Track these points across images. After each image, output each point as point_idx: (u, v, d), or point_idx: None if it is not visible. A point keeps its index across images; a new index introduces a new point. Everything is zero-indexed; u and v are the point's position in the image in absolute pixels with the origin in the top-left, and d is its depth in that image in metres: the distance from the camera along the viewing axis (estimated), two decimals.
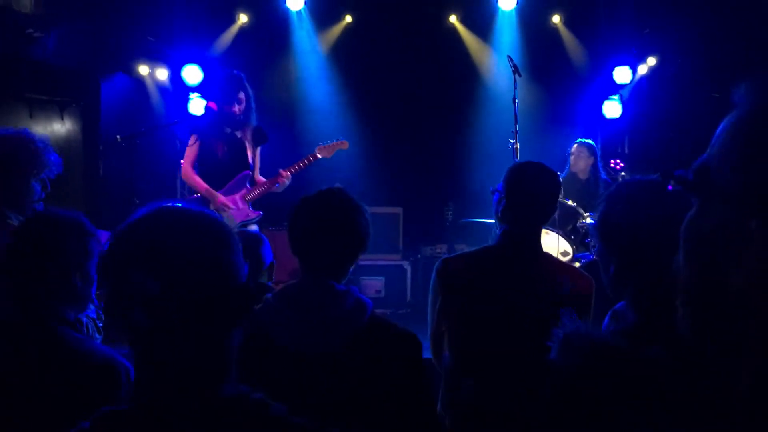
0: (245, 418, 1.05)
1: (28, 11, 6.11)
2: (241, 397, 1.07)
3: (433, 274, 2.59)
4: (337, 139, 5.20)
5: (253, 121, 5.00)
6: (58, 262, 1.88)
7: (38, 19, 6.23)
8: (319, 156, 5.10)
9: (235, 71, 4.99)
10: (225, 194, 4.87)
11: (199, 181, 4.87)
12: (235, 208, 4.86)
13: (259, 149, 5.07)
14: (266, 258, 2.69)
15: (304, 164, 5.01)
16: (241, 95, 4.89)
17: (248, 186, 4.95)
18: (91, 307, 2.56)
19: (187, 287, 1.04)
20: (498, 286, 2.46)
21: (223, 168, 4.88)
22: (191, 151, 4.92)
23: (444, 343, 2.57)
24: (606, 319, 1.85)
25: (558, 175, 2.61)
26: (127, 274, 1.05)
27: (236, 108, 4.86)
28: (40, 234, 1.90)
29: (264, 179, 5.02)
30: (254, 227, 4.89)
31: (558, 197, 2.62)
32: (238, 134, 4.95)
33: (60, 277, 1.88)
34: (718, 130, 0.78)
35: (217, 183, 4.87)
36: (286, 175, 4.89)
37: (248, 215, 4.94)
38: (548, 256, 2.66)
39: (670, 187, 0.81)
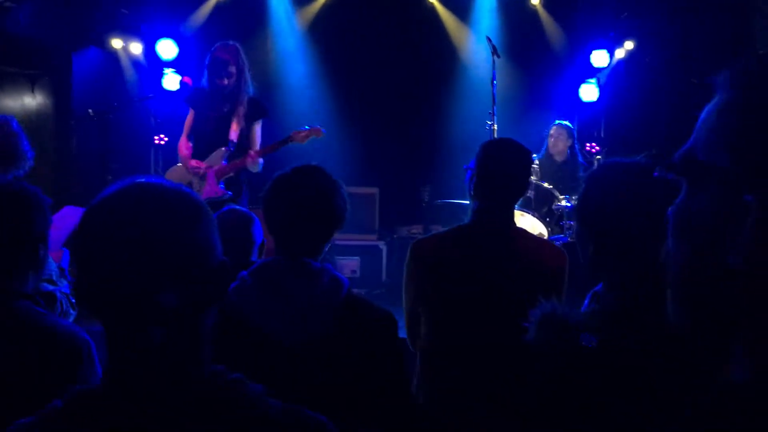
0: (221, 398, 1.03)
1: None
2: (216, 376, 1.06)
3: (408, 256, 2.59)
4: (312, 126, 5.04)
5: (247, 93, 4.83)
6: (29, 237, 1.84)
7: None
8: (293, 141, 4.97)
9: (230, 42, 4.89)
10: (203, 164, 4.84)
11: (183, 151, 4.87)
12: (206, 179, 4.78)
13: (258, 124, 4.91)
14: (257, 237, 2.67)
15: (277, 147, 4.89)
16: (232, 68, 4.74)
17: (224, 163, 4.84)
18: (65, 282, 2.53)
19: (158, 265, 1.01)
20: (473, 265, 2.46)
21: (203, 143, 4.82)
22: (187, 122, 4.93)
23: (419, 325, 2.58)
24: (586, 300, 1.86)
25: (530, 152, 2.61)
26: (97, 251, 1.03)
27: (226, 81, 4.72)
28: (8, 209, 1.84)
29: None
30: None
31: (530, 173, 2.63)
32: (225, 108, 4.81)
33: (28, 251, 1.84)
34: (702, 115, 0.78)
35: (198, 158, 4.86)
36: (254, 155, 4.77)
37: (216, 192, 4.80)
38: (521, 231, 2.67)
39: (656, 173, 0.81)
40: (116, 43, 7.49)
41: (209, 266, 1.05)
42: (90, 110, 4.58)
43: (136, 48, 7.61)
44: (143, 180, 1.08)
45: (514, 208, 2.62)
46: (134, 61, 7.69)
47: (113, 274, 1.01)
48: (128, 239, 1.01)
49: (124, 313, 1.02)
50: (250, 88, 4.88)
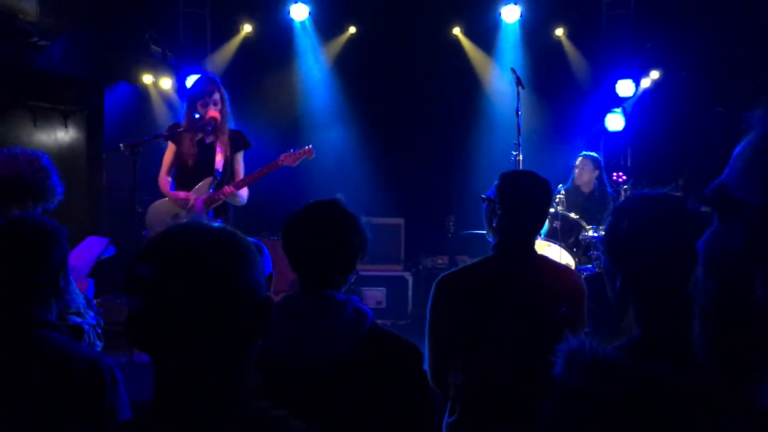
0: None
1: (33, 20, 6.13)
2: (260, 413, 1.07)
3: (432, 293, 2.56)
4: (301, 148, 5.00)
5: (228, 125, 4.83)
6: (46, 265, 1.88)
7: (43, 27, 6.25)
8: (283, 164, 4.92)
9: (209, 73, 4.93)
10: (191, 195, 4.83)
11: (165, 187, 4.88)
12: (194, 209, 4.75)
13: (240, 155, 4.90)
14: (266, 268, 2.68)
15: (264, 173, 4.84)
16: (216, 97, 4.75)
17: (212, 191, 4.80)
18: (91, 314, 2.56)
19: (206, 302, 1.05)
20: (498, 297, 2.45)
21: (189, 174, 4.81)
22: (166, 158, 4.93)
23: (445, 363, 2.54)
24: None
25: (548, 183, 2.61)
26: (151, 289, 1.07)
27: (210, 111, 4.72)
28: (24, 239, 1.89)
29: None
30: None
31: (549, 204, 2.63)
32: (208, 139, 4.81)
33: (48, 280, 1.89)
34: (737, 150, 0.78)
35: (184, 189, 4.83)
36: (229, 190, 4.71)
37: None
38: (542, 258, 2.66)
39: (688, 206, 0.82)
40: (147, 78, 7.67)
41: (254, 302, 1.09)
42: (121, 144, 4.66)
43: (166, 83, 7.78)
44: (189, 222, 1.13)
45: (535, 238, 2.62)
46: (164, 96, 7.85)
47: (169, 312, 1.05)
48: (182, 280, 1.05)
49: (177, 348, 1.06)
50: (232, 121, 4.89)
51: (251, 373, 1.11)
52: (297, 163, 4.98)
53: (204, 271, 1.06)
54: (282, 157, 4.94)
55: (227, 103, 4.84)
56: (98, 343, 2.49)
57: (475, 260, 2.66)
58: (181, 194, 4.79)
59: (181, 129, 4.84)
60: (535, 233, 2.61)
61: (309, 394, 1.79)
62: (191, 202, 4.76)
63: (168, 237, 1.11)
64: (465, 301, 2.48)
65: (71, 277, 2.49)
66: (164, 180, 4.90)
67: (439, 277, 2.60)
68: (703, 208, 0.79)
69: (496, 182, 2.61)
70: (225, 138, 4.80)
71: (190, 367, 1.06)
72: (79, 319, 2.43)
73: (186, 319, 1.04)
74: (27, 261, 1.87)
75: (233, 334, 1.07)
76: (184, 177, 4.85)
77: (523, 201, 2.53)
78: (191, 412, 1.05)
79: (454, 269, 2.66)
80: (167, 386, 1.08)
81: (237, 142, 4.87)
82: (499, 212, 2.53)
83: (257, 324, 1.10)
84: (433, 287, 2.57)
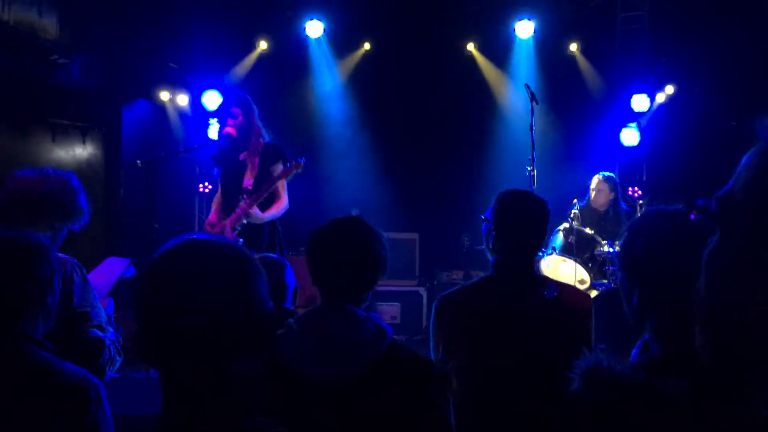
0: None
1: (53, 38, 6.24)
2: (263, 429, 1.08)
3: (433, 312, 2.56)
4: (291, 163, 4.68)
5: (261, 139, 4.71)
6: (32, 280, 1.90)
7: (63, 45, 6.36)
8: (277, 180, 4.67)
9: (233, 88, 4.87)
10: (221, 220, 4.75)
11: (213, 207, 4.88)
12: (224, 231, 4.64)
13: (277, 167, 4.66)
14: (290, 283, 2.70)
15: (266, 188, 4.62)
16: (234, 112, 4.65)
17: (238, 211, 4.64)
18: (111, 330, 2.59)
19: (210, 317, 1.06)
20: (499, 315, 2.45)
21: (226, 193, 4.77)
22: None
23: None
24: (635, 350, 1.84)
25: (545, 202, 2.60)
26: (154, 304, 1.08)
27: (231, 127, 4.63)
28: (10, 254, 1.90)
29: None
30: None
31: (547, 222, 2.61)
32: (240, 156, 4.72)
33: (35, 296, 1.90)
34: (742, 162, 0.79)
35: (224, 210, 4.77)
36: (243, 208, 4.57)
37: None
38: (544, 278, 2.66)
39: (692, 216, 0.82)
40: (164, 95, 7.75)
41: (257, 319, 1.09)
42: (138, 161, 4.70)
43: (183, 99, 7.86)
44: (198, 237, 1.14)
45: (535, 257, 2.61)
46: (181, 112, 7.93)
47: (171, 328, 1.05)
48: (187, 296, 1.06)
49: (180, 362, 1.06)
50: (265, 135, 4.77)
51: (256, 389, 1.11)
52: (290, 177, 4.70)
53: (208, 287, 1.07)
54: (273, 174, 4.68)
55: (254, 118, 4.73)
56: (118, 358, 2.51)
57: (473, 279, 2.67)
58: (209, 219, 4.79)
59: (196, 147, 4.88)
60: (534, 252, 2.60)
61: (327, 410, 1.80)
62: (218, 229, 4.68)
63: (172, 254, 1.11)
64: (464, 320, 2.48)
65: (95, 293, 2.52)
66: (215, 201, 4.90)
67: (439, 296, 2.61)
68: (705, 219, 0.79)
69: (492, 202, 2.62)
70: (255, 154, 4.67)
71: (193, 382, 1.07)
72: (100, 333, 2.45)
73: (189, 334, 1.05)
74: (13, 276, 1.88)
75: (237, 350, 1.07)
76: (223, 196, 4.83)
77: (519, 221, 2.53)
78: (194, 427, 1.05)
79: (453, 289, 2.66)
80: (172, 400, 1.09)
81: (268, 156, 4.69)
82: (494, 232, 2.54)
83: (262, 340, 1.10)
84: (433, 307, 2.58)
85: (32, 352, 1.83)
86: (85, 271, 2.50)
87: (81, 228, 2.67)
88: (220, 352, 1.05)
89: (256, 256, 2.80)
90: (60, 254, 2.38)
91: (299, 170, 4.68)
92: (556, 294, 2.45)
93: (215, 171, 4.98)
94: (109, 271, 3.06)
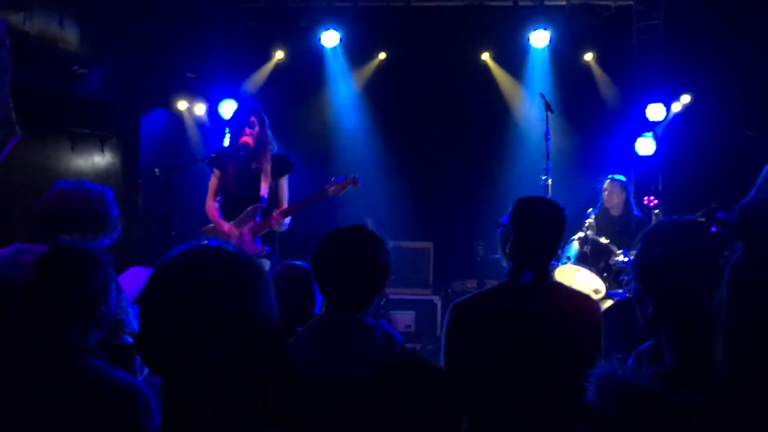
0: None
1: (74, 49, 6.32)
2: None
3: (448, 318, 2.58)
4: (346, 177, 4.96)
5: (272, 149, 4.83)
6: (85, 291, 1.93)
7: (83, 56, 6.44)
8: (329, 194, 4.87)
9: (249, 98, 4.93)
10: (234, 227, 4.78)
11: (212, 213, 4.87)
12: (239, 239, 4.69)
13: (284, 179, 4.87)
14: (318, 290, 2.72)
15: (306, 203, 4.80)
16: (252, 121, 4.74)
17: (258, 219, 4.77)
18: None
19: (216, 329, 1.06)
20: (514, 322, 2.45)
21: (234, 201, 4.80)
22: (212, 183, 4.94)
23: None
24: (630, 360, 1.85)
25: (562, 209, 2.61)
26: (160, 311, 1.09)
27: (248, 137, 4.73)
28: (66, 265, 1.94)
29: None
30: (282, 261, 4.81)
31: (563, 229, 2.62)
32: (253, 165, 4.79)
33: (86, 307, 1.93)
34: (763, 173, 0.79)
35: (229, 216, 4.82)
36: (277, 217, 4.69)
37: (253, 250, 4.65)
38: (557, 284, 2.66)
39: (713, 229, 0.83)
40: (181, 104, 7.82)
41: (263, 330, 1.10)
42: (156, 170, 4.75)
43: (200, 109, 7.92)
44: (207, 244, 1.14)
45: (549, 264, 2.62)
46: (198, 122, 8.00)
47: (171, 334, 1.06)
48: (190, 304, 1.07)
49: (180, 368, 1.07)
50: (275, 145, 4.87)
51: (257, 398, 1.12)
52: (343, 191, 4.92)
53: (209, 296, 1.07)
54: (326, 187, 4.88)
55: (267, 127, 4.83)
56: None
57: (488, 286, 2.67)
58: (225, 227, 4.77)
59: (212, 155, 4.92)
60: (549, 259, 2.61)
61: (335, 417, 1.81)
62: (235, 236, 4.70)
63: (178, 260, 1.11)
64: (479, 326, 2.49)
65: (127, 299, 2.56)
66: (211, 206, 4.90)
67: (454, 302, 2.62)
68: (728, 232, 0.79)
69: (510, 208, 2.63)
70: (267, 163, 4.77)
71: (192, 389, 1.07)
72: (132, 340, 2.49)
73: (188, 342, 1.05)
74: (67, 284, 1.91)
75: (239, 360, 1.07)
76: (228, 203, 4.86)
77: (536, 227, 2.54)
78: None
79: (468, 295, 2.67)
80: (173, 408, 1.09)
81: (279, 167, 4.84)
82: (511, 238, 2.55)
83: (266, 352, 1.10)
84: (448, 312, 2.59)
85: (85, 360, 1.87)
86: (117, 279, 2.54)
87: (112, 242, 2.70)
88: (220, 361, 1.05)
89: (286, 263, 2.83)
90: None
91: (355, 186, 4.93)
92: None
93: (209, 174, 5.03)
94: (134, 280, 3.10)
